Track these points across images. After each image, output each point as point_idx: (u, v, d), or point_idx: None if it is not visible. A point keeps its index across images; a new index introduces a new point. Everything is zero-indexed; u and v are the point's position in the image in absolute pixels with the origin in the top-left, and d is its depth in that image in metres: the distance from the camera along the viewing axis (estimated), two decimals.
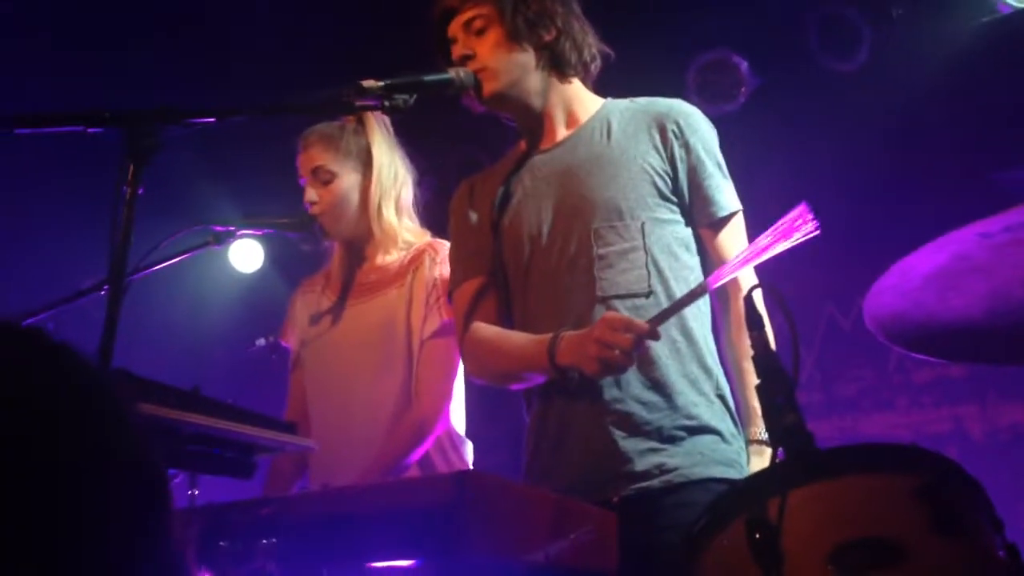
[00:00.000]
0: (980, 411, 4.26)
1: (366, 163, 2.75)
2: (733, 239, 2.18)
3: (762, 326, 1.46)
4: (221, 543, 1.66)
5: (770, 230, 1.76)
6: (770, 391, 1.40)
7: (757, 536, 1.26)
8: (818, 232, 1.70)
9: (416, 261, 2.71)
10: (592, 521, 1.69)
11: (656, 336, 1.92)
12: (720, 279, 1.91)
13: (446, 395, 2.60)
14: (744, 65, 4.51)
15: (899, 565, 1.22)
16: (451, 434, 2.69)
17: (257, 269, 4.90)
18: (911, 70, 4.23)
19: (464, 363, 2.31)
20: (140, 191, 1.74)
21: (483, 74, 2.17)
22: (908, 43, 4.30)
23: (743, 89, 4.51)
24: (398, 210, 2.76)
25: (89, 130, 1.75)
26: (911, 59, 4.26)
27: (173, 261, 2.56)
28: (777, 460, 1.38)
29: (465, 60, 2.17)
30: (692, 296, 1.94)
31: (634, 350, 1.90)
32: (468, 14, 2.19)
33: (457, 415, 2.74)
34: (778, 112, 4.45)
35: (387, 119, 2.81)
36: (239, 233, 2.72)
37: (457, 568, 1.74)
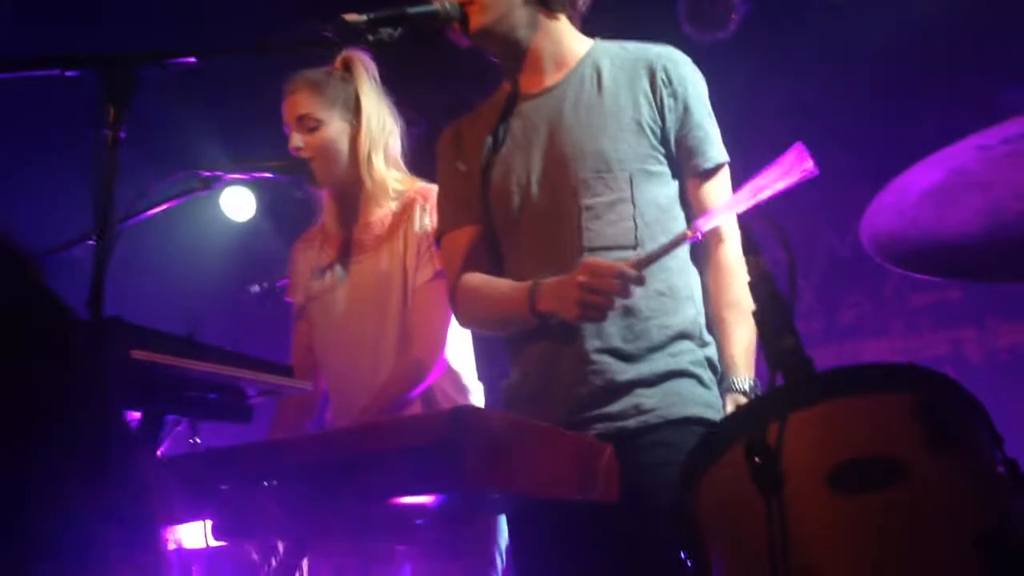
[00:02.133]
0: (978, 333, 4.27)
1: (353, 111, 2.71)
2: (719, 191, 2.15)
3: (758, 252, 1.44)
4: (222, 486, 1.67)
5: (765, 171, 1.72)
6: (767, 315, 1.39)
7: (756, 460, 1.25)
8: (816, 172, 1.66)
9: (408, 211, 2.70)
10: (592, 452, 1.69)
11: (641, 281, 1.90)
12: (711, 221, 1.88)
13: (440, 338, 2.60)
14: None
15: (899, 483, 1.21)
16: (457, 381, 2.70)
17: (250, 218, 4.87)
18: None
19: (453, 312, 2.31)
20: (122, 135, 1.72)
21: (470, 8, 2.11)
22: None
23: (735, 16, 4.44)
24: (387, 159, 2.73)
25: (66, 73, 1.71)
26: None
27: (161, 208, 2.54)
28: (776, 384, 1.37)
29: None
30: (678, 241, 1.92)
31: (618, 294, 1.89)
32: None
33: (466, 361, 2.74)
34: (771, 37, 4.39)
35: (374, 67, 2.77)
36: (227, 178, 2.69)
37: (459, 502, 1.75)
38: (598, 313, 1.92)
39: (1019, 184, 1.37)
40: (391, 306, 2.67)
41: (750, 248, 1.46)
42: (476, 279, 2.19)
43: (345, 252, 2.77)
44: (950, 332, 4.33)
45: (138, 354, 1.63)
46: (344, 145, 2.70)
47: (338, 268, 2.77)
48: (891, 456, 1.23)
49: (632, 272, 1.88)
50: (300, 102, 2.70)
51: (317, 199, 2.88)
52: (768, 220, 1.48)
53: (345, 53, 2.74)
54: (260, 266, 3.96)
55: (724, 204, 1.87)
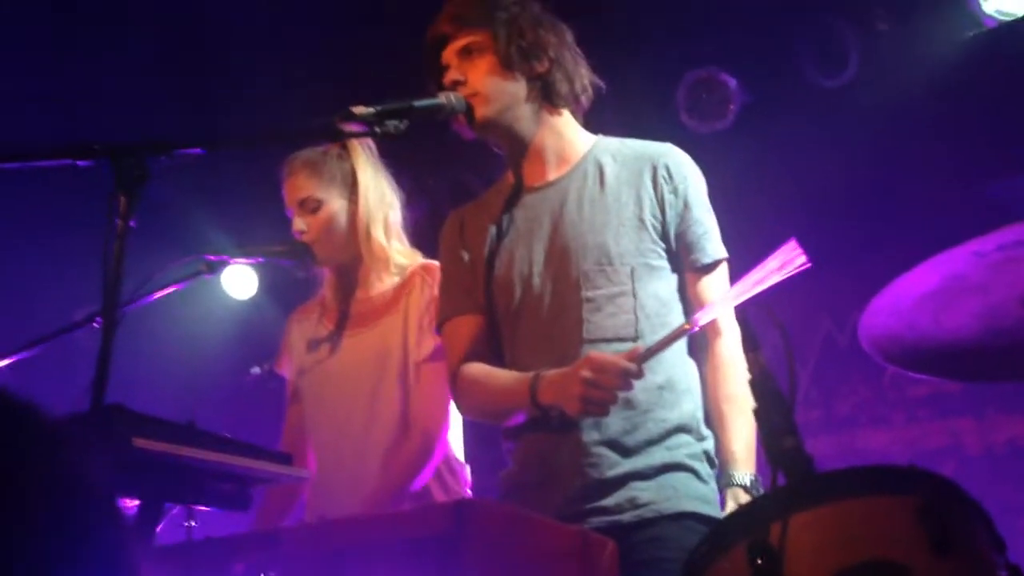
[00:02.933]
0: (976, 425, 4.26)
1: (351, 187, 2.73)
2: (717, 285, 2.19)
3: (758, 348, 1.46)
4: None
5: (759, 266, 1.76)
6: (768, 414, 1.39)
7: (759, 562, 1.25)
8: (808, 265, 1.70)
9: (408, 285, 2.71)
10: (594, 547, 1.69)
11: (641, 374, 1.92)
12: (708, 314, 1.92)
13: (444, 419, 2.60)
14: (733, 83, 4.52)
15: None
16: (449, 460, 2.69)
17: (251, 296, 4.89)
18: (900, 85, 4.25)
19: (454, 401, 2.32)
20: (132, 223, 1.74)
21: (474, 99, 2.16)
22: (896, 58, 4.32)
23: (732, 107, 4.52)
24: (387, 232, 2.75)
25: (78, 163, 1.75)
26: (899, 73, 4.28)
27: (166, 291, 2.55)
28: (777, 484, 1.37)
29: (456, 85, 2.17)
30: (677, 334, 1.94)
31: (620, 389, 1.91)
32: (462, 40, 2.20)
33: (455, 440, 2.73)
34: (769, 129, 4.46)
35: (371, 142, 2.80)
36: (232, 261, 2.71)
37: None
38: (600, 408, 1.94)
39: (1015, 289, 1.39)
40: (387, 381, 2.66)
41: (750, 345, 1.47)
42: (476, 369, 2.20)
43: (343, 325, 2.77)
44: (949, 423, 4.31)
45: (139, 442, 1.63)
46: (344, 222, 2.72)
47: (334, 341, 2.77)
48: (894, 560, 1.23)
49: (633, 367, 1.90)
50: (300, 185, 2.73)
51: (320, 276, 2.90)
52: (768, 313, 1.50)
53: None
54: (262, 345, 3.97)
55: (720, 298, 1.91)
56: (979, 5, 4.06)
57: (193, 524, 3.06)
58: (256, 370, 3.26)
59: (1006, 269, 1.37)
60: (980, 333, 1.45)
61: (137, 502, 1.75)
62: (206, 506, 1.85)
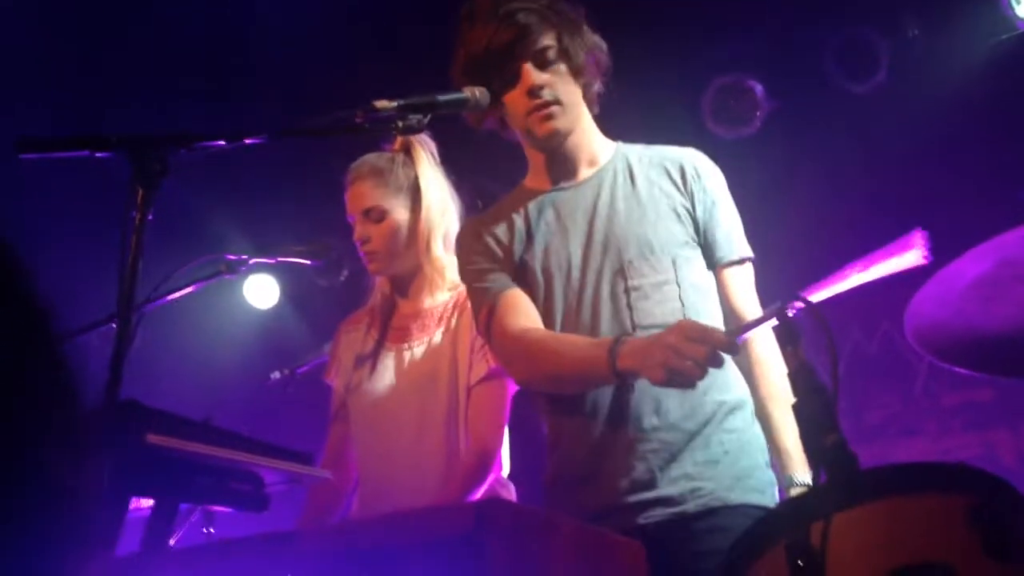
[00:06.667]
0: (1011, 435, 4.17)
1: (415, 197, 2.65)
2: (742, 282, 2.20)
3: (797, 342, 1.40)
4: None
5: (877, 252, 1.62)
6: (808, 409, 1.33)
7: (799, 563, 1.18)
8: (926, 262, 1.56)
9: (460, 306, 2.62)
10: (619, 551, 1.62)
11: (735, 350, 1.73)
12: (819, 293, 1.74)
13: (499, 438, 2.53)
14: (760, 89, 4.48)
15: None
16: (500, 479, 2.62)
17: (272, 305, 4.87)
18: (930, 89, 4.19)
19: (509, 366, 2.21)
20: (149, 217, 1.70)
21: (555, 108, 2.11)
22: (926, 63, 4.27)
23: (759, 113, 4.47)
24: (446, 245, 2.66)
25: (96, 154, 1.71)
26: (929, 78, 4.22)
27: (186, 291, 2.52)
28: (819, 482, 1.31)
29: (540, 90, 2.09)
30: (774, 312, 1.80)
31: (708, 363, 1.71)
32: (541, 43, 2.10)
33: (504, 460, 2.66)
34: (795, 135, 4.41)
35: (433, 146, 2.71)
36: (252, 263, 2.67)
37: None
38: (685, 381, 1.74)
39: None
40: (433, 403, 2.58)
41: (789, 338, 1.41)
42: (542, 333, 2.11)
43: (392, 338, 2.69)
44: (983, 434, 4.22)
45: (153, 438, 1.58)
46: (406, 233, 2.63)
47: (382, 355, 2.69)
48: (943, 562, 1.16)
49: (725, 339, 1.70)
50: (366, 194, 2.63)
51: (369, 283, 2.80)
52: (809, 308, 1.43)
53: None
54: (282, 352, 3.93)
55: (831, 278, 1.76)
56: (1012, 8, 4.00)
57: (212, 531, 3.02)
58: (276, 375, 3.23)
59: None
60: None
61: (151, 501, 1.71)
62: (222, 506, 1.80)
